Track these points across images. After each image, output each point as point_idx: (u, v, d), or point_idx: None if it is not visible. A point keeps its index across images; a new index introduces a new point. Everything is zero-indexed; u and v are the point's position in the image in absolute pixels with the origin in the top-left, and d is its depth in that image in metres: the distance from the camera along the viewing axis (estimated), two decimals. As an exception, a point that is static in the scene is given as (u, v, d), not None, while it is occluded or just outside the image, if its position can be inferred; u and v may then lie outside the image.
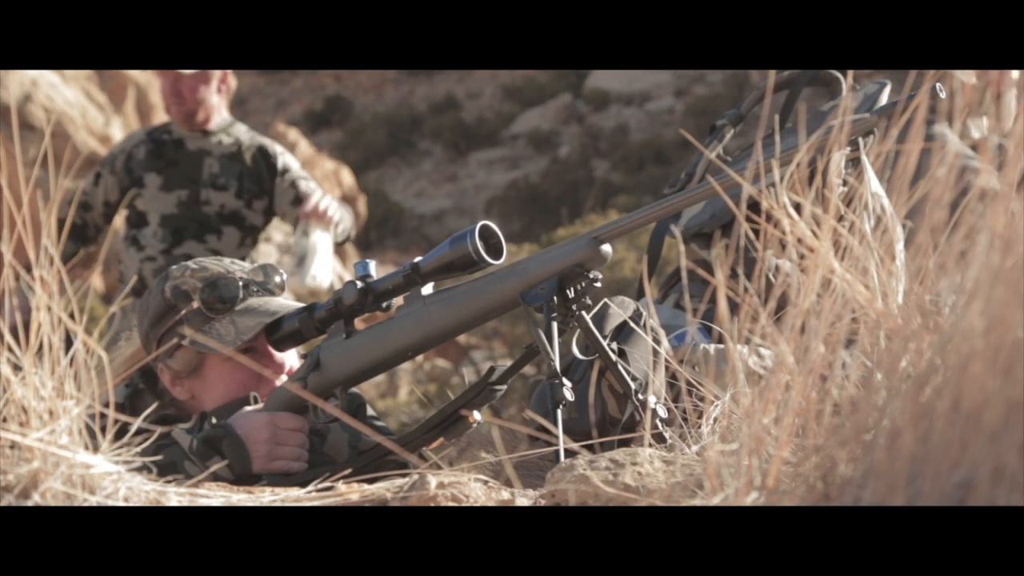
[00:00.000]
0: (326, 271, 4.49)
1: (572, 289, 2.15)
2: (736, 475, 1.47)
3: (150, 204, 4.79)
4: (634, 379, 2.21)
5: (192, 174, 4.81)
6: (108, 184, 4.87)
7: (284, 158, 4.94)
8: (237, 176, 4.84)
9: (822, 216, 1.60)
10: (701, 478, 1.54)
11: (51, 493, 1.52)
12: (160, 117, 11.03)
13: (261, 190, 4.87)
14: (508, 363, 2.23)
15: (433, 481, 1.71)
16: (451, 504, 1.70)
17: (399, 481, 1.76)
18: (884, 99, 2.89)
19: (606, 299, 2.34)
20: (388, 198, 21.01)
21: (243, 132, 4.94)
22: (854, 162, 2.76)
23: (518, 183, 20.84)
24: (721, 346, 2.52)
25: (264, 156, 4.90)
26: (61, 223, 4.77)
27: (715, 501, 1.47)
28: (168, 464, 2.17)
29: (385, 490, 1.75)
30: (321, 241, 4.53)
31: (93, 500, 1.55)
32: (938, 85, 2.16)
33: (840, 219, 1.65)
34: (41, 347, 1.58)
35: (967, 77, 3.54)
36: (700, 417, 1.94)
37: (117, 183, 4.86)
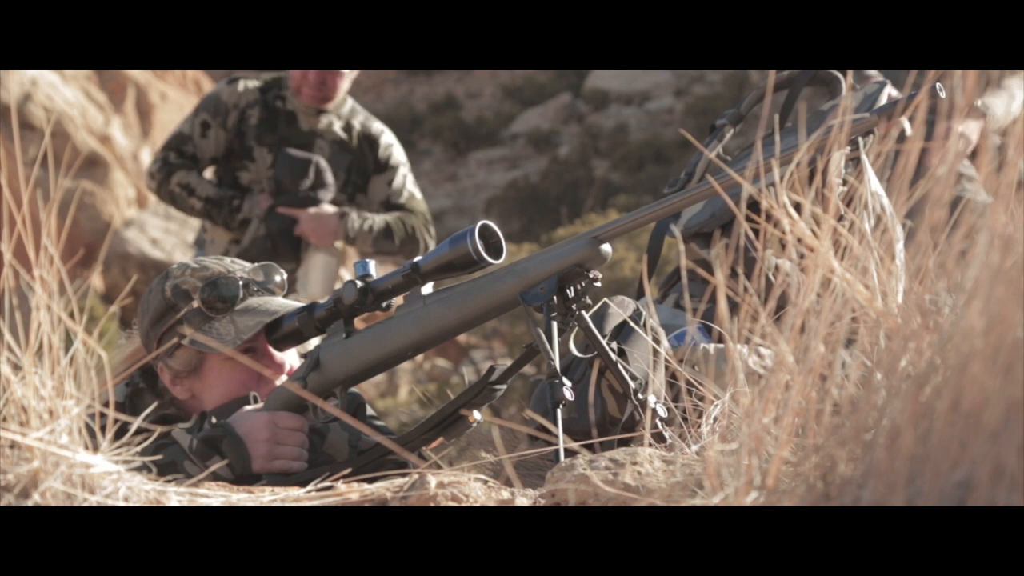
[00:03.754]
0: (316, 288, 4.45)
1: (572, 289, 2.15)
2: (736, 475, 1.47)
3: (256, 183, 4.51)
4: (634, 379, 2.21)
5: (307, 167, 4.50)
6: (218, 139, 4.53)
7: (392, 151, 4.66)
8: (345, 168, 4.57)
9: (822, 216, 1.60)
10: (701, 478, 1.54)
11: (51, 493, 1.52)
12: (160, 116, 11.02)
13: (365, 184, 4.65)
14: (508, 363, 2.23)
15: (433, 481, 1.71)
16: (451, 504, 1.70)
17: (399, 481, 1.76)
18: (884, 99, 2.89)
19: (606, 299, 2.34)
20: (388, 198, 20.98)
21: (355, 113, 4.63)
22: (854, 162, 2.76)
23: (518, 183, 20.83)
24: (721, 346, 2.52)
25: (372, 146, 4.62)
26: (169, 166, 4.52)
27: (715, 501, 1.47)
28: (168, 464, 2.17)
29: (385, 490, 1.75)
30: (314, 260, 4.48)
31: (93, 500, 1.55)
32: (938, 85, 2.16)
33: (840, 219, 1.65)
34: (41, 347, 1.58)
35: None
36: (700, 417, 1.94)
37: (226, 141, 4.52)
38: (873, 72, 3.54)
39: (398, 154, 4.68)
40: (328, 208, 4.48)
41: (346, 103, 4.62)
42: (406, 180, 4.67)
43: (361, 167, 4.60)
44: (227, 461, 2.23)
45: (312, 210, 4.45)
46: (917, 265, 1.62)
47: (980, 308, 1.31)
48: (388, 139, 4.66)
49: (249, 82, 4.61)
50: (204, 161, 4.55)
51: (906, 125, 2.10)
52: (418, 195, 4.71)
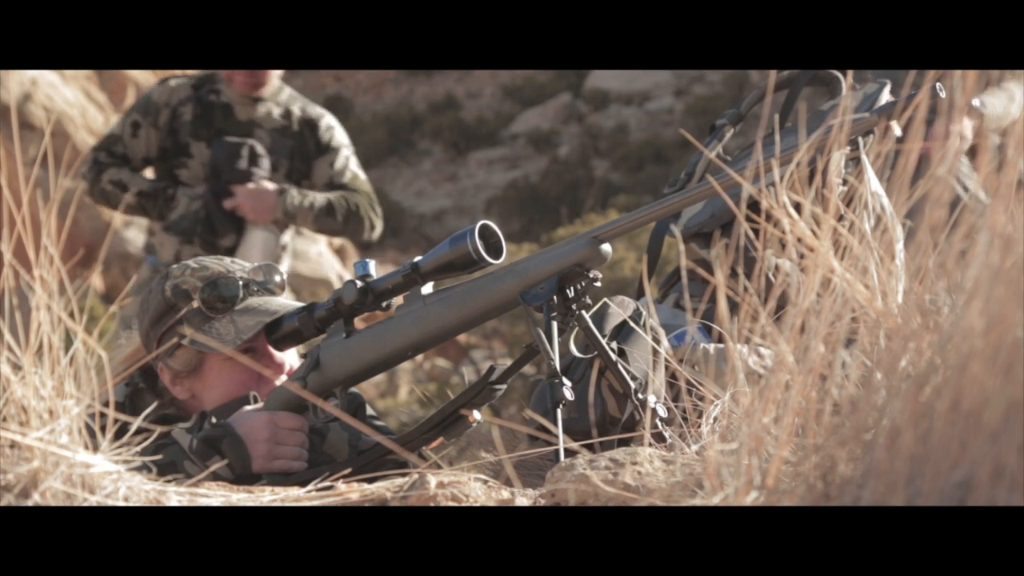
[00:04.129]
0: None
1: (572, 288, 2.15)
2: (736, 475, 1.47)
3: (195, 179, 4.46)
4: (634, 379, 2.21)
5: (242, 149, 4.47)
6: (149, 138, 4.48)
7: (334, 133, 4.59)
8: (287, 154, 4.52)
9: (822, 216, 1.60)
10: (701, 478, 1.54)
11: (51, 493, 1.52)
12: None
13: (309, 169, 4.58)
14: (508, 363, 2.23)
15: (433, 481, 1.71)
16: (451, 504, 1.70)
17: (399, 481, 1.76)
18: (884, 99, 2.88)
19: (606, 299, 2.34)
20: (388, 198, 20.98)
21: (294, 100, 4.58)
22: (854, 161, 2.76)
23: (518, 183, 20.82)
24: (721, 346, 2.52)
25: (312, 129, 4.56)
26: (99, 164, 4.48)
27: (715, 501, 1.47)
28: (168, 464, 2.17)
29: (385, 490, 1.75)
30: (253, 237, 4.43)
31: (93, 500, 1.55)
32: (938, 84, 2.16)
33: (840, 219, 1.65)
34: (41, 347, 1.58)
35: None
36: (700, 417, 1.94)
37: (158, 140, 4.47)
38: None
39: (340, 136, 4.62)
40: (267, 185, 4.43)
41: (283, 91, 4.58)
42: (349, 161, 4.61)
43: (303, 152, 4.55)
44: (227, 461, 2.23)
45: (250, 186, 4.40)
46: (917, 265, 1.62)
47: (980, 308, 1.31)
48: (329, 121, 4.61)
49: (181, 80, 4.59)
50: (136, 161, 4.51)
51: (895, 128, 2.10)
52: (362, 176, 4.66)
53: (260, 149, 4.44)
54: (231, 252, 4.42)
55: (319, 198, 4.49)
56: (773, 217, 1.63)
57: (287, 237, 4.62)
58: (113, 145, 4.54)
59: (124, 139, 4.54)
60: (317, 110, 4.61)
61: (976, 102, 2.09)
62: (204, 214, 4.40)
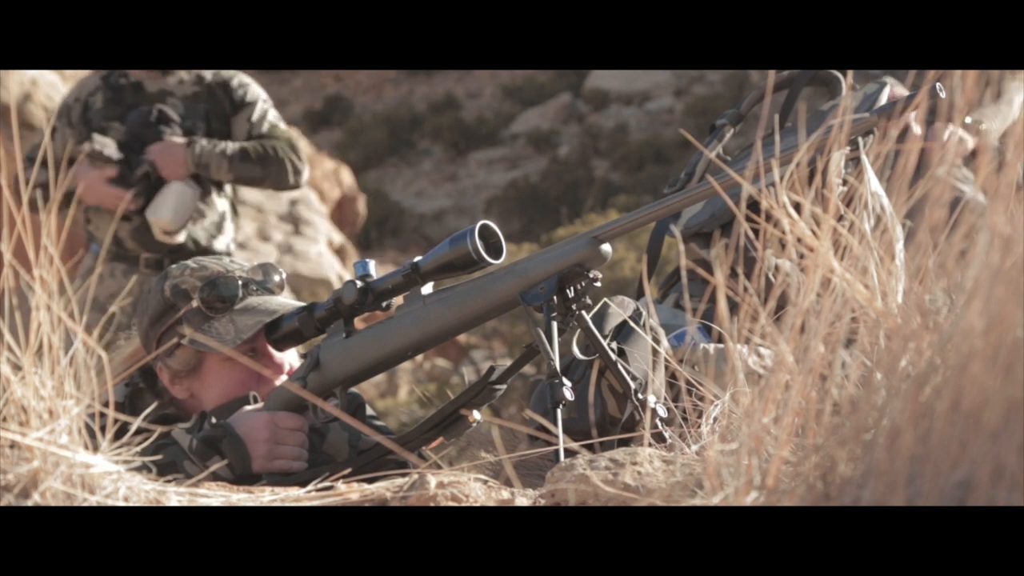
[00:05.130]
0: (160, 210, 4.31)
1: (572, 289, 2.15)
2: (736, 475, 1.47)
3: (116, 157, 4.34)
4: (634, 379, 2.21)
5: (152, 113, 4.39)
6: (65, 137, 4.42)
7: (248, 89, 4.50)
8: (203, 117, 4.44)
9: (822, 216, 1.60)
10: (701, 478, 1.54)
11: (51, 493, 1.52)
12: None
13: (227, 129, 4.47)
14: (508, 363, 2.23)
15: (433, 481, 1.71)
16: (451, 504, 1.70)
17: (399, 481, 1.76)
18: (884, 99, 2.88)
19: (606, 299, 2.34)
20: (388, 198, 21.00)
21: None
22: (854, 162, 2.76)
23: (518, 183, 20.83)
24: (721, 346, 2.52)
25: (226, 91, 4.47)
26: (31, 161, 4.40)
27: (715, 501, 1.47)
28: (168, 464, 2.17)
29: (385, 490, 1.75)
30: (167, 189, 4.33)
31: (93, 500, 1.55)
32: (938, 85, 2.16)
33: (840, 219, 1.65)
34: (41, 347, 1.58)
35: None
36: (700, 417, 1.94)
37: (76, 137, 4.40)
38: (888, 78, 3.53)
39: (255, 91, 4.52)
40: (175, 139, 4.37)
41: None
42: (267, 113, 4.51)
43: (219, 112, 4.46)
44: (227, 461, 2.23)
45: (157, 144, 4.34)
46: (917, 265, 1.62)
47: (980, 308, 1.31)
48: (241, 79, 4.52)
49: (91, 74, 4.56)
50: (59, 162, 4.42)
51: (913, 124, 2.10)
52: (282, 125, 4.55)
53: (170, 112, 4.39)
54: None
55: (231, 145, 4.39)
56: (773, 217, 1.63)
57: (224, 206, 4.52)
58: (31, 153, 4.54)
59: (44, 145, 4.57)
60: (229, 72, 4.52)
61: (969, 120, 2.08)
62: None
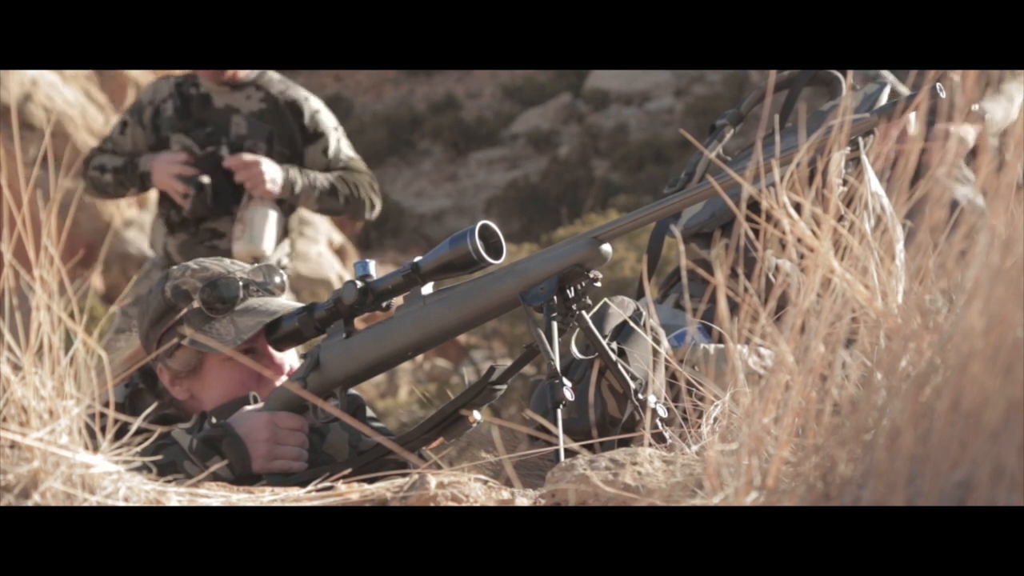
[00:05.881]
0: (259, 240, 4.27)
1: (572, 289, 2.15)
2: (736, 475, 1.47)
3: None
4: (634, 379, 2.21)
5: (220, 136, 4.39)
6: (136, 136, 4.44)
7: (319, 117, 4.46)
8: (266, 138, 4.38)
9: (822, 216, 1.60)
10: (701, 478, 1.54)
11: (51, 493, 1.52)
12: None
13: (293, 153, 4.44)
14: (508, 363, 2.23)
15: (433, 481, 1.71)
16: (451, 504, 1.70)
17: (399, 481, 1.76)
18: (884, 99, 2.89)
19: (606, 299, 2.34)
20: (388, 198, 20.97)
21: (275, 83, 4.45)
22: (854, 162, 2.76)
23: (518, 183, 20.83)
24: (721, 346, 2.52)
25: (296, 114, 4.43)
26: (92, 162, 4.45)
27: (715, 501, 1.47)
28: (168, 464, 2.17)
29: (385, 490, 1.75)
30: (254, 212, 4.30)
31: (93, 500, 1.55)
32: (938, 85, 2.16)
33: (840, 219, 1.65)
34: (41, 347, 1.58)
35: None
36: (700, 417, 1.94)
37: (144, 138, 4.42)
38: (887, 73, 3.53)
39: (327, 119, 4.51)
40: (266, 159, 4.34)
41: (264, 74, 4.48)
42: (341, 144, 4.51)
43: (285, 136, 4.43)
44: (227, 461, 2.23)
45: (249, 156, 4.31)
46: (917, 265, 1.62)
47: (980, 308, 1.31)
48: (314, 104, 4.49)
49: (167, 78, 4.54)
50: (122, 156, 4.46)
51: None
52: (356, 156, 4.56)
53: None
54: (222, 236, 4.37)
55: (322, 178, 4.41)
56: (773, 217, 1.63)
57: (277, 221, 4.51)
58: (103, 145, 4.55)
59: (112, 137, 4.54)
60: (302, 92, 4.50)
61: (976, 107, 2.07)
62: (208, 196, 4.33)
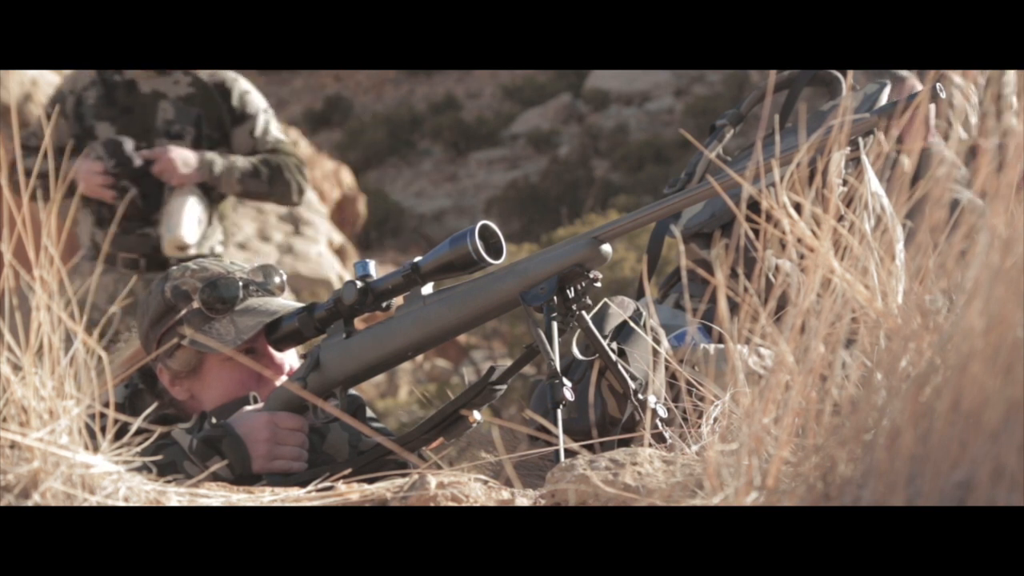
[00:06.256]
0: (176, 229, 4.15)
1: (572, 289, 2.15)
2: (736, 475, 1.47)
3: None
4: (634, 379, 2.21)
5: (146, 122, 4.24)
6: (60, 126, 4.27)
7: (248, 98, 4.32)
8: (194, 122, 4.25)
9: (822, 216, 1.60)
10: (701, 478, 1.54)
11: (51, 493, 1.52)
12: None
13: (223, 136, 4.30)
14: (508, 363, 2.23)
15: (433, 481, 1.71)
16: (451, 504, 1.70)
17: (399, 481, 1.76)
18: (884, 99, 2.88)
19: (606, 299, 2.34)
20: (388, 198, 21.01)
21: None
22: (854, 162, 2.76)
23: (518, 183, 20.83)
24: (721, 346, 2.52)
25: (224, 96, 4.30)
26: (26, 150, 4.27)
27: (715, 501, 1.47)
28: (168, 464, 2.17)
29: (385, 490, 1.75)
30: (173, 201, 4.19)
31: (93, 500, 1.55)
32: (938, 85, 2.16)
33: (840, 219, 1.65)
34: (41, 347, 1.58)
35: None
36: (700, 417, 1.94)
37: (68, 129, 4.25)
38: (905, 72, 3.51)
39: (255, 100, 4.35)
40: (181, 148, 4.21)
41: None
42: (269, 126, 4.36)
43: (214, 119, 4.29)
44: (227, 461, 2.23)
45: (165, 148, 4.17)
46: (917, 265, 1.62)
47: (980, 308, 1.31)
48: (243, 86, 4.35)
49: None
50: (52, 151, 4.23)
51: (939, 90, 2.08)
52: (285, 138, 4.40)
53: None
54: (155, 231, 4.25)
55: (242, 160, 4.26)
56: (773, 217, 1.63)
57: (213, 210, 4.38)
58: (27, 140, 4.40)
59: (35, 131, 4.41)
60: (229, 74, 4.36)
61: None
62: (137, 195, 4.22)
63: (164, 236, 4.21)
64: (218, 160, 4.24)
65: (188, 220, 4.22)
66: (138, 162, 4.20)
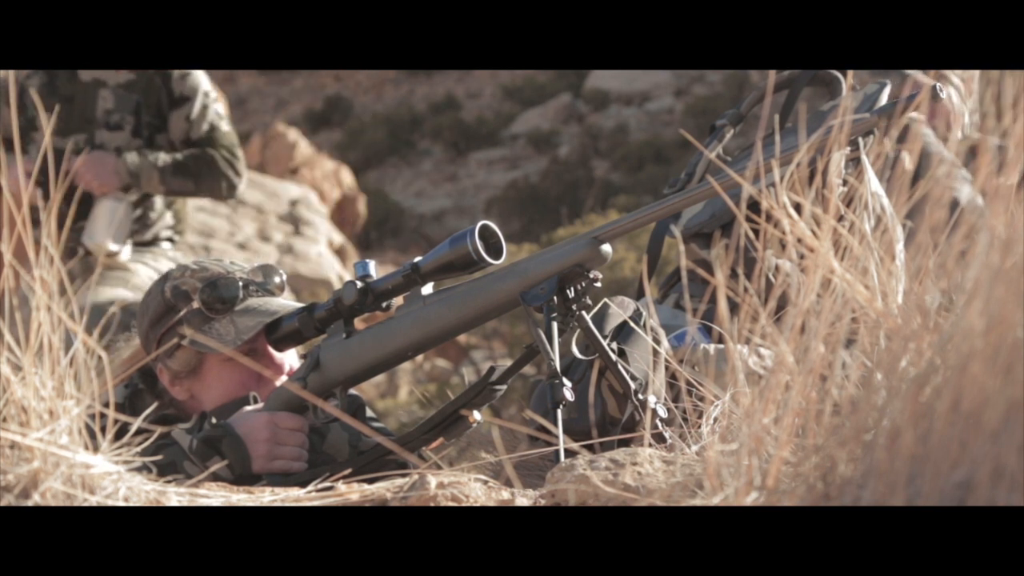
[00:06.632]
0: (95, 235, 4.04)
1: (572, 289, 2.15)
2: (736, 475, 1.47)
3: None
4: (634, 379, 2.21)
5: (87, 112, 4.07)
6: (4, 118, 4.14)
7: (189, 81, 4.09)
8: (133, 109, 4.06)
9: (822, 216, 1.60)
10: (701, 478, 1.54)
11: (51, 493, 1.52)
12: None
13: (163, 123, 4.10)
14: (508, 363, 2.22)
15: (433, 481, 1.71)
16: (451, 504, 1.70)
17: (399, 481, 1.76)
18: (884, 99, 2.88)
19: (606, 299, 2.33)
20: (388, 198, 21.02)
21: None
22: (854, 162, 2.76)
23: (518, 183, 20.83)
24: (721, 346, 2.52)
25: (165, 79, 4.06)
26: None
27: (715, 501, 1.47)
28: (168, 464, 2.17)
29: (385, 490, 1.75)
30: (96, 207, 4.07)
31: (93, 500, 1.55)
32: (938, 85, 2.16)
33: (840, 219, 1.65)
34: (41, 347, 1.58)
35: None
36: (700, 417, 1.94)
37: (12, 119, 4.10)
38: (916, 72, 3.52)
39: (196, 83, 4.11)
40: (102, 152, 4.06)
41: None
42: (207, 110, 4.12)
43: (153, 105, 4.08)
44: (227, 461, 2.23)
45: (84, 157, 4.01)
46: (917, 265, 1.62)
47: (980, 308, 1.31)
48: (187, 71, 4.11)
49: None
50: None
51: (939, 90, 2.08)
52: (224, 126, 4.15)
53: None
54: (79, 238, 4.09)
55: (164, 156, 4.06)
56: (773, 217, 1.63)
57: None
58: None
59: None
60: None
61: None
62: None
63: (88, 244, 4.11)
64: (137, 162, 4.06)
65: (105, 226, 4.08)
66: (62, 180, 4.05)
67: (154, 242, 4.27)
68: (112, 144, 4.05)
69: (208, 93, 4.15)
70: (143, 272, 4.16)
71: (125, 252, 4.15)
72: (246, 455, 2.25)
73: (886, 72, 3.33)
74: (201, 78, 4.14)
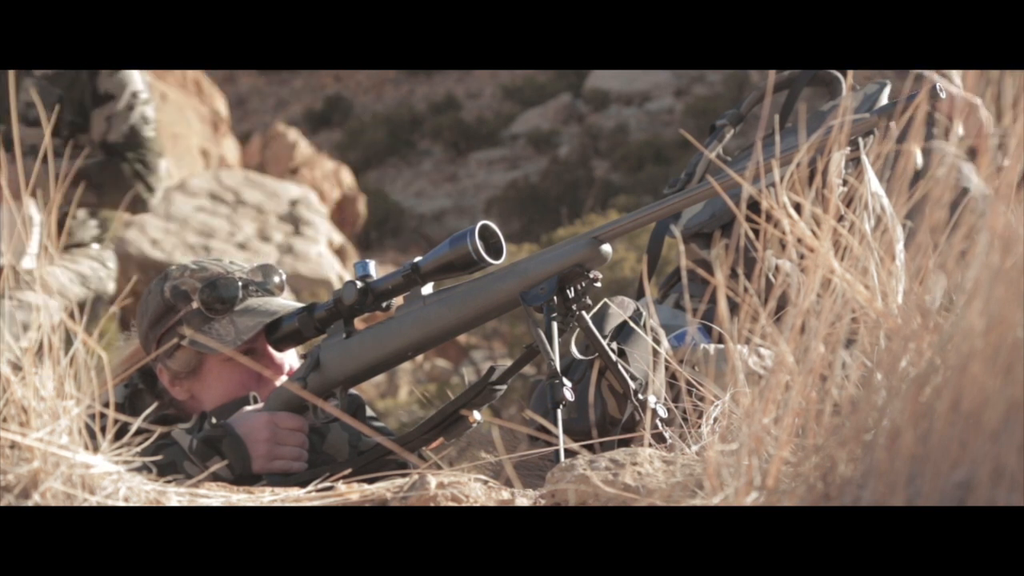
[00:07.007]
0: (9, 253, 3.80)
1: (572, 289, 2.15)
2: (736, 475, 1.47)
3: None
4: (634, 379, 2.21)
5: (5, 104, 3.57)
6: None
7: (116, 78, 3.67)
8: (54, 104, 3.58)
9: (822, 216, 1.60)
10: (701, 478, 1.54)
11: (51, 493, 1.52)
12: (160, 117, 11.00)
13: (85, 120, 3.68)
14: (508, 363, 2.22)
15: (433, 481, 1.71)
16: (451, 504, 1.70)
17: (399, 481, 1.76)
18: (884, 99, 2.88)
19: (606, 299, 2.34)
20: (388, 198, 21.02)
21: None
22: (854, 162, 2.76)
23: (518, 183, 20.84)
24: (721, 346, 2.52)
25: (92, 76, 3.65)
26: None
27: (715, 501, 1.47)
28: (168, 464, 2.17)
29: (385, 490, 1.75)
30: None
31: (93, 500, 1.55)
32: (938, 85, 2.16)
33: (840, 219, 1.65)
34: (41, 347, 1.58)
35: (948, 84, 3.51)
36: (700, 417, 1.94)
37: None
38: (929, 72, 3.51)
39: (125, 80, 3.69)
40: None
41: None
42: (131, 112, 3.70)
43: (75, 101, 3.66)
44: (227, 461, 2.23)
45: None
46: (917, 265, 1.62)
47: (980, 308, 1.31)
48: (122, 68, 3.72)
49: None
50: None
51: (939, 90, 2.08)
52: (147, 130, 3.72)
53: None
54: None
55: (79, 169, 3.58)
56: (773, 217, 1.63)
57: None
58: None
59: None
60: None
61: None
62: None
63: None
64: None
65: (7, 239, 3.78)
66: None
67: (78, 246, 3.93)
68: (28, 142, 3.56)
69: (137, 94, 3.75)
70: (60, 275, 3.84)
71: (27, 260, 3.60)
72: (246, 455, 2.25)
73: (900, 73, 3.34)
74: (133, 77, 3.74)
